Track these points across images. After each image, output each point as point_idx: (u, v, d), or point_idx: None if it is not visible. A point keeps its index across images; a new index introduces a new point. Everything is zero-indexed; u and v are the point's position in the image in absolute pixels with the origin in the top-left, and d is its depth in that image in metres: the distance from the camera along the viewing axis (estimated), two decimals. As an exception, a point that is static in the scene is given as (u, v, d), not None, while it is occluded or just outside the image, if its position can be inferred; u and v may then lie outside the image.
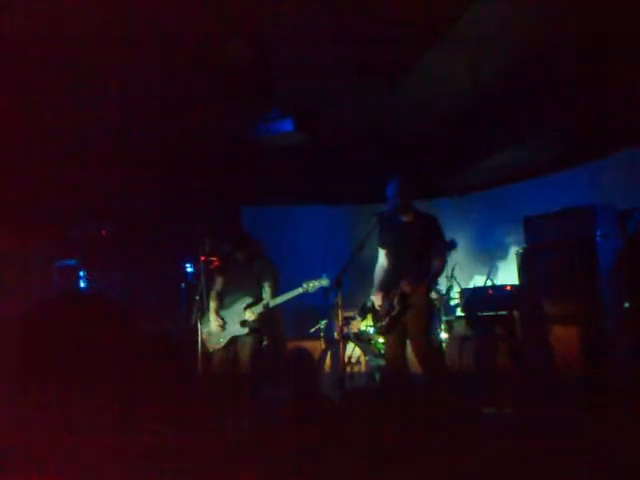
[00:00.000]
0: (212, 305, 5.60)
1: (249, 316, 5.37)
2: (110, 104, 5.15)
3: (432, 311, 5.19)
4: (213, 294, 5.64)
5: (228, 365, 5.45)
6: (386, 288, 4.98)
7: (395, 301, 4.79)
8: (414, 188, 5.05)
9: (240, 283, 5.57)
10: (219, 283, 5.70)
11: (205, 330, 5.51)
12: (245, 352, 5.41)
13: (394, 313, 4.81)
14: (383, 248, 5.16)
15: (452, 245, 4.69)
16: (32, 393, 4.27)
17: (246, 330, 5.41)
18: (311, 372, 6.64)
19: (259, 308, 5.41)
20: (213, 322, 5.49)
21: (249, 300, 5.46)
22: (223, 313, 5.54)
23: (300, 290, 5.34)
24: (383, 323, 4.94)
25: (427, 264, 4.80)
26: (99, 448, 3.58)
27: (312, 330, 7.44)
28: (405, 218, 5.01)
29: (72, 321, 4.87)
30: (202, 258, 5.60)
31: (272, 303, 5.41)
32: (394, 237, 5.02)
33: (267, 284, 5.52)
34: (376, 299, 5.03)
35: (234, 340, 5.46)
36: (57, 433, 3.85)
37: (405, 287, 4.72)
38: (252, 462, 3.59)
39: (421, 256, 4.78)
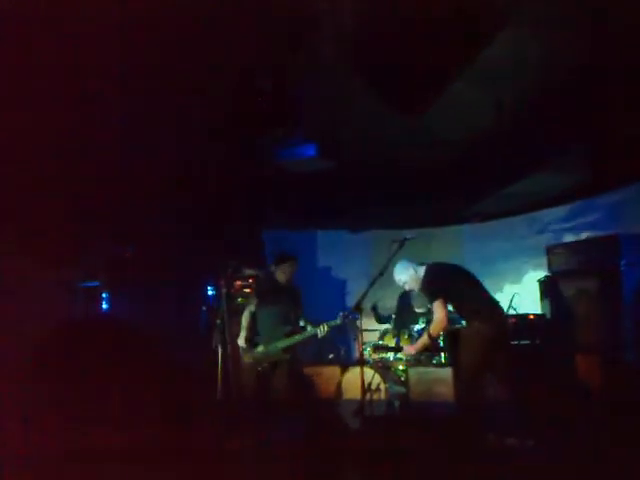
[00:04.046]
0: (245, 329, 5.66)
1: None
2: (137, 128, 5.24)
3: None
4: (247, 315, 5.69)
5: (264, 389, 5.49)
6: None
7: None
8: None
9: (279, 307, 5.62)
10: (253, 304, 5.74)
11: (249, 354, 5.57)
12: (284, 378, 5.46)
13: None
14: None
15: None
16: (48, 412, 4.29)
17: (287, 356, 5.48)
18: (329, 399, 6.59)
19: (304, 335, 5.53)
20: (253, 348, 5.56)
21: (288, 327, 5.54)
22: (263, 339, 5.60)
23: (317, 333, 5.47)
24: None
25: None
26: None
27: (331, 356, 7.43)
28: None
29: (89, 344, 4.90)
30: (223, 281, 5.64)
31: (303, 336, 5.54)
32: None
33: (302, 314, 5.67)
34: None
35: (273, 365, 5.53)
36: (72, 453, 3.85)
37: None
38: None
39: None
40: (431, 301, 4.93)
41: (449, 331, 5.84)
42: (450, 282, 5.03)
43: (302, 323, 5.62)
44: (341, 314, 5.40)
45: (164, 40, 3.88)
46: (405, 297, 7.37)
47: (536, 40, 4.04)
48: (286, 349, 5.46)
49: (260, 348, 5.53)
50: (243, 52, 4.10)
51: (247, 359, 5.56)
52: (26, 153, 5.32)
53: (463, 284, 5.04)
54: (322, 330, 5.40)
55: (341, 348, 7.22)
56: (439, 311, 4.85)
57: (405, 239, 4.98)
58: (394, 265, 5.12)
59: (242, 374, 5.56)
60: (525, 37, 3.98)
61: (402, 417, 5.81)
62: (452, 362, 5.80)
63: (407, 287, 5.25)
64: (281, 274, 5.63)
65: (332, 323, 5.42)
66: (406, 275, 5.15)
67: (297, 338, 5.49)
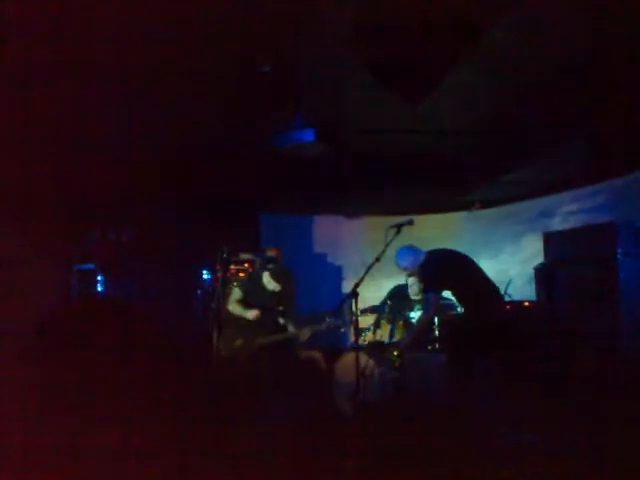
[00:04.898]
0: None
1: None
2: (134, 112, 5.20)
3: None
4: (235, 305, 5.60)
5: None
6: None
7: None
8: None
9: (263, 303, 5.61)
10: (238, 292, 5.66)
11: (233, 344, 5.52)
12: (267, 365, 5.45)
13: None
14: None
15: None
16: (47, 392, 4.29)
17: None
18: (324, 382, 6.61)
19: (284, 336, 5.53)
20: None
21: (269, 325, 5.54)
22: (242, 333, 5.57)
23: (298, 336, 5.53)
24: None
25: None
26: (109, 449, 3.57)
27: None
28: None
29: (89, 322, 4.89)
30: (219, 265, 5.62)
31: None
32: None
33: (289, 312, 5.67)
34: None
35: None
36: (68, 433, 3.84)
37: None
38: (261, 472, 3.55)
39: None
40: (425, 291, 4.93)
41: (446, 320, 5.85)
42: (449, 271, 5.03)
43: (282, 321, 5.58)
44: (327, 320, 5.44)
45: (164, 25, 3.84)
46: (401, 285, 7.36)
47: (538, 28, 4.01)
48: (262, 346, 5.42)
49: (239, 342, 5.47)
50: (244, 37, 4.07)
51: (225, 351, 5.50)
52: (23, 138, 5.30)
53: (462, 272, 5.04)
54: (305, 334, 5.43)
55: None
56: (432, 307, 4.90)
57: (402, 225, 4.95)
58: (395, 250, 5.08)
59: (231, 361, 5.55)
60: (528, 25, 3.95)
61: (396, 402, 5.82)
62: (448, 348, 5.80)
63: (408, 272, 5.23)
64: (269, 281, 5.58)
65: (316, 328, 5.44)
66: (408, 261, 5.14)
67: (276, 338, 5.47)
